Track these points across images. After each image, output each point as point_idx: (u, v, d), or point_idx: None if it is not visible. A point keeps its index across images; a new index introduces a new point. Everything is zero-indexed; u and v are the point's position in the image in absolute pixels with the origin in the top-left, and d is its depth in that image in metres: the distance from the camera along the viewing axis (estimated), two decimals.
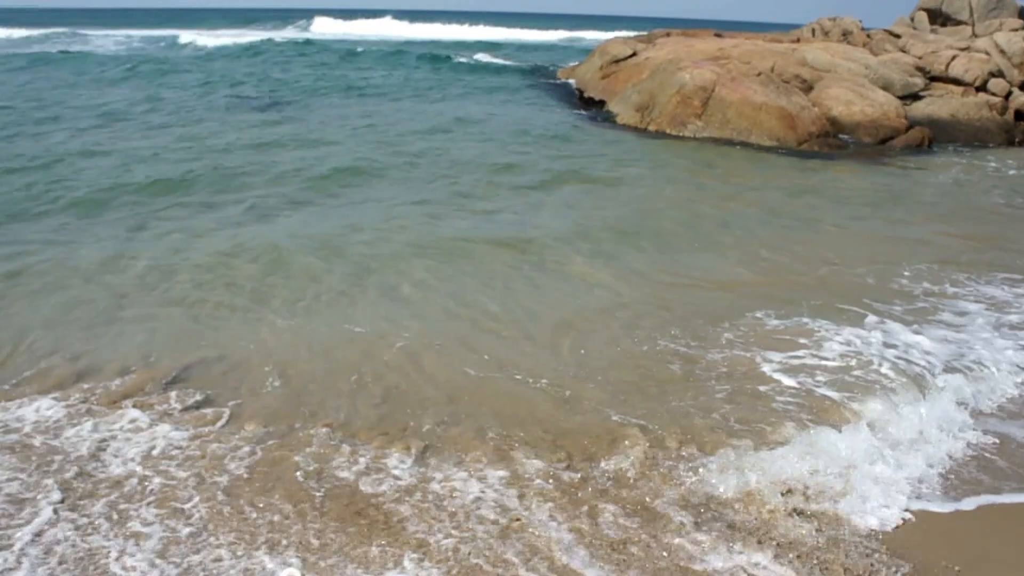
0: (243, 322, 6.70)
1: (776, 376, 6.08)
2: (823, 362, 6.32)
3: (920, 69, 19.64)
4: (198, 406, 5.41)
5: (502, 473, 4.77)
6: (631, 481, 4.73)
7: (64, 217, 9.39)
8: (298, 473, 4.69)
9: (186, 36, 43.98)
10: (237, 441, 5.01)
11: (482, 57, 33.31)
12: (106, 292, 7.16)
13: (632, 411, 5.51)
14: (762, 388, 5.89)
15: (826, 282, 8.25)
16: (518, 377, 5.98)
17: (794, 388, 5.90)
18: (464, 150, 14.31)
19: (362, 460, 4.87)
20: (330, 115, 17.79)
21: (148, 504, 4.32)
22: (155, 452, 4.82)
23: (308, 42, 38.32)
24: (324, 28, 73.72)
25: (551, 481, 4.70)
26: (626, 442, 5.11)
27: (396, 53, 32.80)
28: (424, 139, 15.15)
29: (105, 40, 44.40)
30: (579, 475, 4.77)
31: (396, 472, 4.77)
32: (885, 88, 18.61)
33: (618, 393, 5.79)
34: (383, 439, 5.11)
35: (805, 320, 7.10)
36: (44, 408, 5.23)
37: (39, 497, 4.30)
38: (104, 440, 4.92)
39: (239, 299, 7.12)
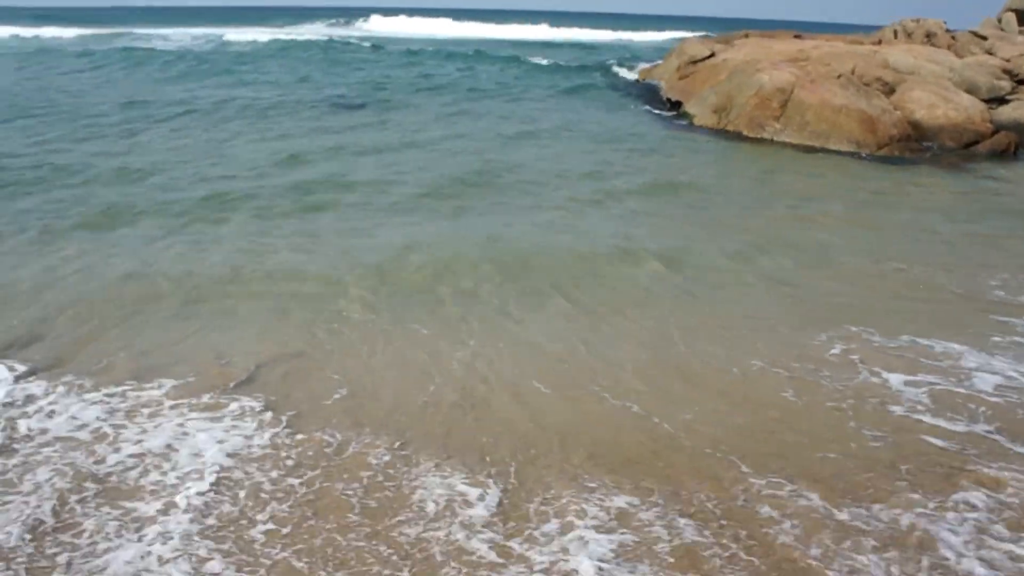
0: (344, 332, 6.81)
1: (922, 410, 5.66)
2: (974, 392, 5.86)
3: (1007, 72, 19.23)
4: (263, 411, 5.43)
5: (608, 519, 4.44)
6: None
7: (185, 219, 9.80)
8: (352, 501, 4.53)
9: (234, 34, 44.78)
10: (293, 451, 4.98)
11: (549, 57, 33.55)
12: (207, 291, 7.51)
13: (768, 463, 5.02)
14: (915, 427, 5.42)
15: (933, 295, 8.08)
16: (616, 403, 5.75)
17: (960, 432, 5.38)
18: (553, 157, 14.34)
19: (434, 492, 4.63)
20: (421, 119, 18.08)
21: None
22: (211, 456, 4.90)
23: (372, 42, 39.01)
24: (380, 26, 74.87)
25: (669, 536, 4.31)
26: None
27: (463, 54, 33.01)
28: (516, 145, 15.27)
29: (162, 39, 45.05)
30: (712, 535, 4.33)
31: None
32: (970, 91, 18.31)
33: (734, 430, 5.43)
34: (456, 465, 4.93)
35: (922, 341, 6.81)
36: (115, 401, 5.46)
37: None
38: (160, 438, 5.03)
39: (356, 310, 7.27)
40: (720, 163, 14.94)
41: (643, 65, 28.96)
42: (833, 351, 6.64)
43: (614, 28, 75.46)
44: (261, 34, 44.16)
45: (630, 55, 37.66)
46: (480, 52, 33.36)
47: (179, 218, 9.72)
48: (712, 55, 21.90)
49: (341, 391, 5.75)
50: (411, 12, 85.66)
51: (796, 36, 24.59)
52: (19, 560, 3.96)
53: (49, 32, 47.45)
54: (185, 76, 24.84)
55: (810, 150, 16.30)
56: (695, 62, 21.94)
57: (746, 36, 25.22)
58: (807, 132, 16.90)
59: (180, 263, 8.14)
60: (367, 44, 36.86)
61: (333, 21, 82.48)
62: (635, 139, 16.45)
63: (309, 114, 18.23)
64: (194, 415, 5.30)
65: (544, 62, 30.80)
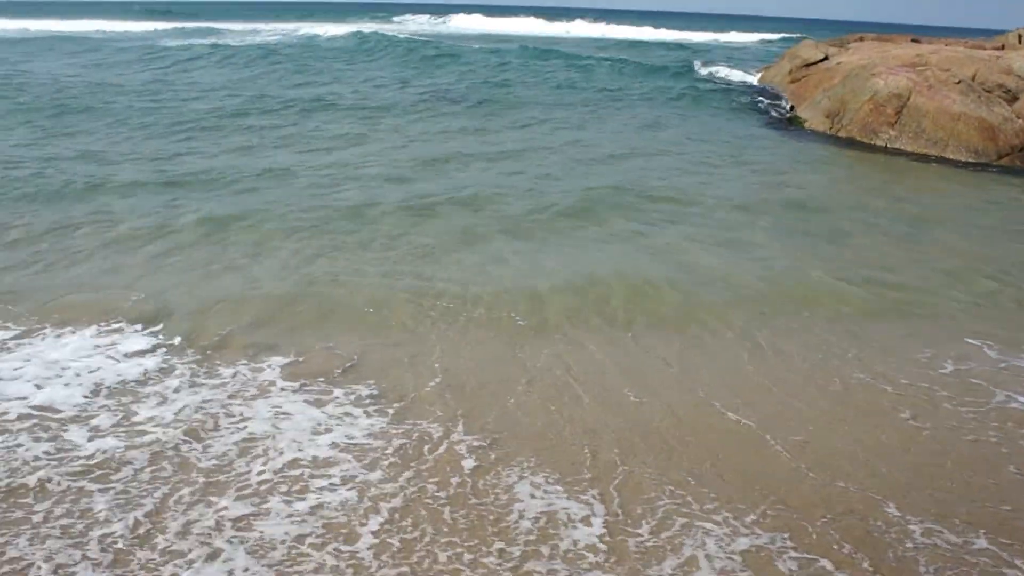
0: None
1: None
2: None
3: None
4: (371, 400, 5.67)
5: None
6: None
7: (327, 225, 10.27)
8: (449, 513, 4.50)
9: (316, 28, 44.96)
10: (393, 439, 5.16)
11: (644, 57, 33.45)
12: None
13: (912, 499, 4.74)
14: None
15: None
16: (746, 423, 5.64)
17: None
18: (682, 169, 14.02)
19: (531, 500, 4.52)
20: (543, 122, 18.08)
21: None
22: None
23: (456, 40, 39.10)
24: (463, 24, 75.86)
25: None
26: None
27: (561, 52, 32.82)
28: (632, 157, 14.97)
29: (240, 33, 45.38)
30: None
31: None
32: None
33: (869, 454, 5.24)
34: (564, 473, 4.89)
35: None
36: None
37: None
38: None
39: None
40: (836, 174, 14.94)
41: (752, 67, 28.86)
42: (944, 369, 6.64)
43: (704, 28, 74.56)
44: (339, 29, 44.11)
45: (729, 56, 37.28)
46: (576, 54, 33.18)
47: (319, 224, 9.94)
48: (825, 59, 21.85)
49: (438, 383, 5.98)
50: (480, 10, 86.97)
51: (914, 40, 24.17)
52: (127, 545, 4.19)
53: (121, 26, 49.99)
54: (289, 73, 25.61)
55: (924, 158, 16.24)
56: (808, 65, 21.94)
57: (861, 39, 24.93)
58: (923, 140, 16.83)
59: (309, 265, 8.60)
60: (448, 43, 37.25)
61: (407, 18, 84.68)
62: (755, 149, 16.48)
63: (427, 115, 18.63)
64: (298, 399, 5.66)
65: (645, 62, 30.72)
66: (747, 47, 51.92)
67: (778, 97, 21.93)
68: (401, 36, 38.46)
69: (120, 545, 4.16)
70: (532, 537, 4.35)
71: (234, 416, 5.45)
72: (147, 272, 8.10)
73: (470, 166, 13.60)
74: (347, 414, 5.54)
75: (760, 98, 22.36)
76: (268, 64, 27.82)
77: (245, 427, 5.32)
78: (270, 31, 48.05)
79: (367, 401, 5.73)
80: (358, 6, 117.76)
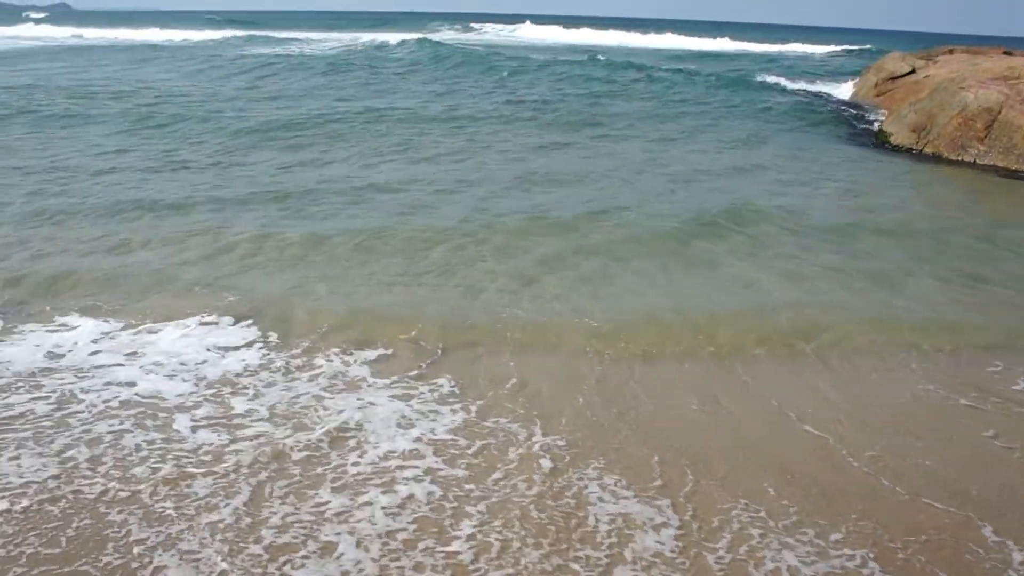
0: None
1: None
2: None
3: None
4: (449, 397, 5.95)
5: None
6: None
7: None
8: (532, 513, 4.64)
9: (383, 37, 45.53)
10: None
11: (714, 67, 32.99)
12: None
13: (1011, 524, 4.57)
14: None
15: None
16: (819, 436, 5.62)
17: None
18: (779, 191, 13.50)
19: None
20: (626, 145, 17.39)
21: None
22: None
23: (512, 49, 39.29)
24: (530, 34, 76.73)
25: None
26: None
27: (633, 64, 32.55)
28: (726, 176, 14.43)
29: (301, 43, 45.98)
30: None
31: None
32: None
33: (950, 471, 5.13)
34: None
35: None
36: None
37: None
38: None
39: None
40: (924, 194, 14.56)
41: (818, 78, 28.24)
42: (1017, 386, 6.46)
43: (760, 40, 73.22)
44: (399, 37, 44.24)
45: (801, 68, 36.53)
46: (649, 64, 32.90)
47: (424, 237, 9.99)
48: (913, 71, 21.33)
49: (515, 382, 6.31)
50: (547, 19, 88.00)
51: (1006, 52, 23.36)
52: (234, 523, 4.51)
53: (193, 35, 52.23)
54: (360, 84, 25.93)
55: (1015, 175, 15.70)
56: (894, 79, 21.45)
57: (950, 52, 24.21)
58: (1014, 156, 16.28)
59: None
60: (523, 53, 37.27)
61: (481, 26, 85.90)
62: (846, 165, 16.10)
63: (514, 127, 18.43)
64: (384, 394, 6.01)
65: (717, 73, 30.30)
66: (812, 57, 50.88)
67: (862, 110, 21.48)
68: (472, 46, 38.81)
69: (230, 534, 4.44)
70: (613, 541, 4.44)
71: (328, 409, 5.75)
72: (247, 274, 8.53)
73: (564, 182, 13.31)
74: (432, 411, 5.80)
75: (844, 111, 21.90)
76: (341, 74, 28.50)
77: (336, 420, 5.62)
78: (337, 40, 48.97)
79: (450, 399, 5.99)
80: (426, 16, 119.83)
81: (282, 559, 4.24)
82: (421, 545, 4.39)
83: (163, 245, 9.36)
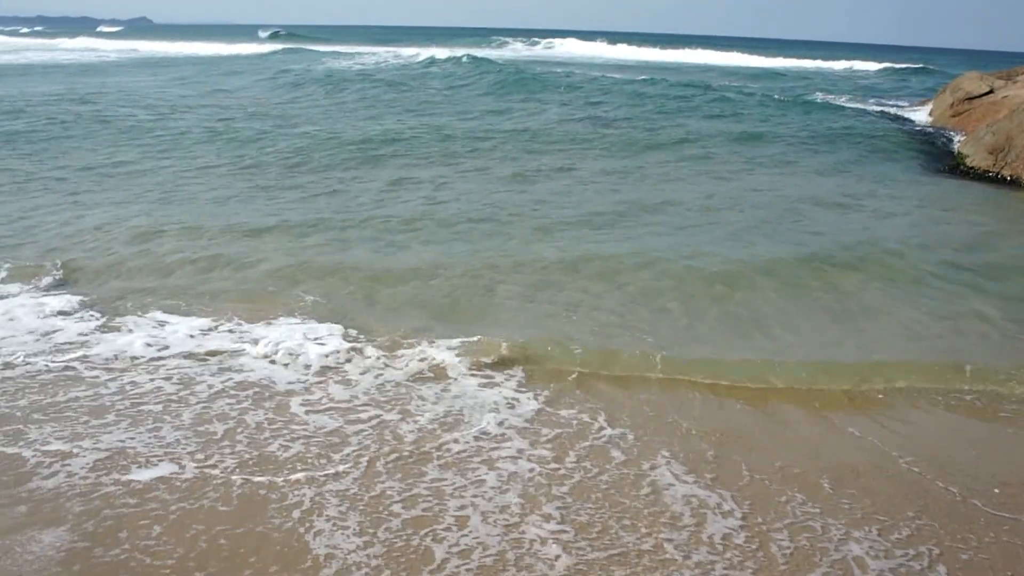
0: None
1: None
2: None
3: None
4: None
5: None
6: None
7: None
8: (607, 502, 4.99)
9: (431, 52, 45.26)
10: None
11: (768, 87, 32.39)
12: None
13: None
14: None
15: None
16: (870, 440, 5.88)
17: None
18: (856, 223, 12.70)
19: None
20: (710, 173, 16.46)
21: None
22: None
23: (559, 66, 38.55)
24: (571, 50, 78.30)
25: None
26: None
27: (686, 83, 31.99)
28: (815, 209, 13.49)
29: (340, 57, 46.50)
30: None
31: None
32: None
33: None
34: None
35: None
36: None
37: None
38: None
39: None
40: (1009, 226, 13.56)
41: (879, 96, 27.38)
42: None
43: (798, 55, 72.47)
44: (439, 52, 43.86)
45: (856, 86, 35.29)
46: (707, 83, 32.02)
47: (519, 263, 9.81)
48: (991, 91, 21.00)
49: (577, 374, 6.83)
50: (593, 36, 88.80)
51: None
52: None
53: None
54: (415, 103, 25.78)
55: None
56: (971, 99, 21.15)
57: None
58: None
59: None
60: (578, 71, 36.37)
61: (506, 41, 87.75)
62: (926, 189, 15.80)
63: (583, 151, 17.99)
64: (472, 382, 6.59)
65: (771, 92, 29.40)
66: (866, 74, 49.73)
67: (939, 132, 21.08)
68: (516, 66, 36.95)
69: (360, 505, 4.92)
70: (690, 524, 4.80)
71: (426, 398, 6.30)
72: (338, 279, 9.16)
73: (649, 213, 12.68)
74: (514, 398, 6.35)
75: (925, 134, 21.20)
76: (399, 92, 28.56)
77: (429, 406, 6.16)
78: (383, 56, 48.98)
79: (525, 389, 6.54)
80: (463, 31, 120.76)
81: (423, 531, 4.70)
82: (528, 519, 4.82)
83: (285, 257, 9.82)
